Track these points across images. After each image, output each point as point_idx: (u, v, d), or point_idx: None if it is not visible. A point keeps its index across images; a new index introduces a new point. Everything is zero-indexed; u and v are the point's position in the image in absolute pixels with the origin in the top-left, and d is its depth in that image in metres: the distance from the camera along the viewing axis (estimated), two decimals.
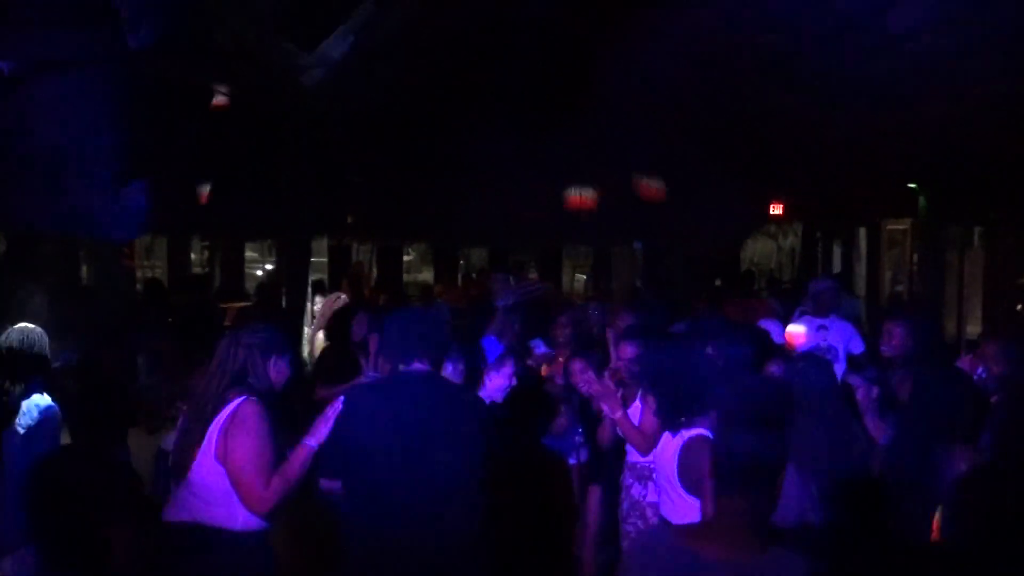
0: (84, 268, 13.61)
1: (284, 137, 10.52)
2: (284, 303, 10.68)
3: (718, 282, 14.73)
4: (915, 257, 14.78)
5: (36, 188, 4.49)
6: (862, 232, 16.47)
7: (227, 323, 11.91)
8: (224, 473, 3.30)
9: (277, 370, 3.52)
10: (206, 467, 3.33)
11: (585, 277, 20.29)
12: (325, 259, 17.15)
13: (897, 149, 11.53)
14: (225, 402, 3.36)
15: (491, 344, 6.38)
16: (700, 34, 10.18)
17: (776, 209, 15.61)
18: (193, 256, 18.42)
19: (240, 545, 3.32)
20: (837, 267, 16.92)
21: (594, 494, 4.59)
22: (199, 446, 3.34)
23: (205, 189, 13.74)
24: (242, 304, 12.31)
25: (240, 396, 3.36)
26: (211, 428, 3.33)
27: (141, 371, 11.21)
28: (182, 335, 11.49)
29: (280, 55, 8.96)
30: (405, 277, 19.01)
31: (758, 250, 18.96)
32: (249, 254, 18.96)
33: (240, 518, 3.31)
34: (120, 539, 3.49)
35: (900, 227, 15.52)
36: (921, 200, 14.02)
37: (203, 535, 3.30)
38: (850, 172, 13.07)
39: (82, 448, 3.64)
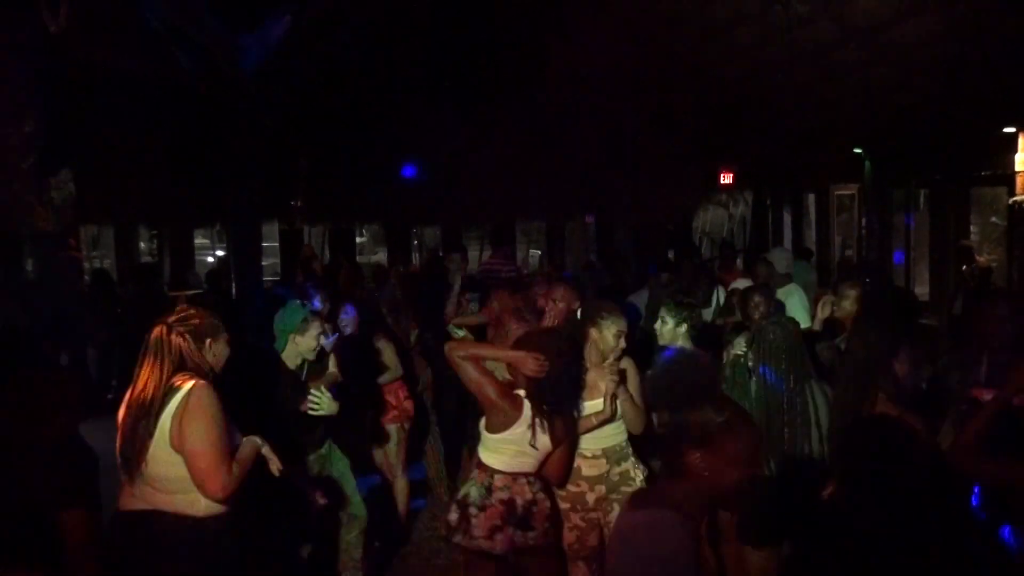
0: (29, 261, 13.39)
1: (227, 120, 10.33)
2: (235, 289, 10.52)
3: (671, 253, 14.80)
4: (863, 221, 14.98)
5: None
6: (811, 198, 16.66)
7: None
8: (181, 461, 3.26)
9: (214, 353, 3.48)
10: (162, 458, 3.28)
11: (539, 252, 20.32)
12: (276, 243, 16.97)
13: (843, 115, 11.65)
14: (172, 389, 3.30)
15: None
16: (644, 5, 10.18)
17: (726, 178, 15.72)
18: (142, 245, 18.12)
19: (204, 530, 3.30)
20: (787, 233, 17.10)
21: None
22: (150, 438, 3.27)
23: (149, 176, 13.53)
24: (192, 292, 12.13)
25: (187, 381, 3.31)
26: (162, 417, 3.27)
27: (91, 362, 11.12)
28: (132, 325, 11.38)
29: (215, 37, 8.79)
30: (358, 259, 18.88)
31: (710, 219, 19.08)
32: (199, 241, 18.71)
33: (202, 503, 3.30)
34: (73, 523, 3.49)
35: (848, 192, 15.71)
36: (867, 165, 14.20)
37: (164, 523, 3.28)
38: (798, 139, 13.18)
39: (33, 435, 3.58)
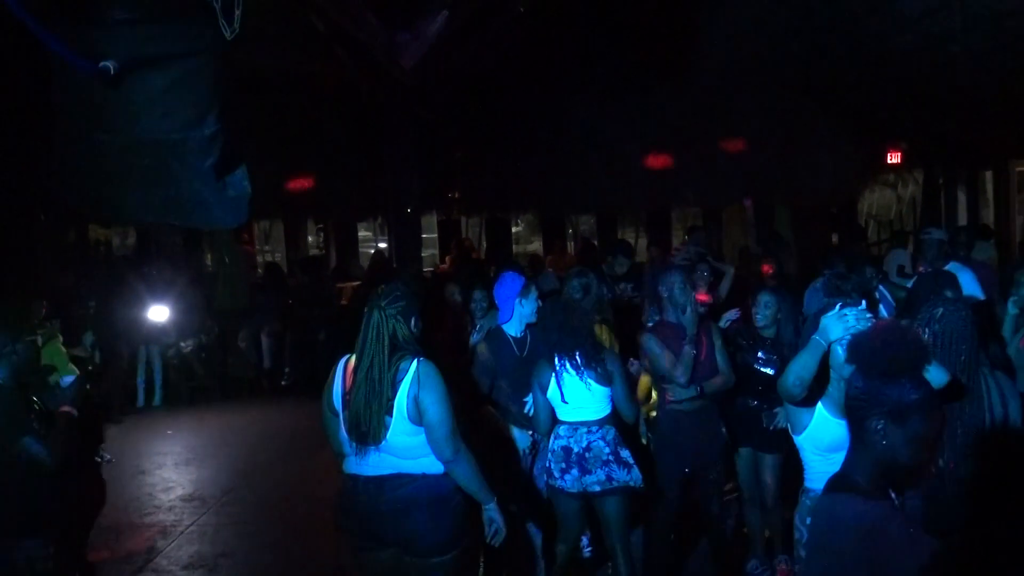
0: (208, 255, 14.27)
1: (388, 116, 10.66)
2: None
3: (835, 237, 14.25)
4: None
5: (142, 180, 4.68)
6: (988, 176, 15.64)
7: (343, 302, 12.31)
8: (419, 431, 3.62)
9: (417, 329, 3.80)
10: (402, 430, 3.62)
11: (686, 238, 19.87)
12: (435, 235, 17.38)
13: (1022, 83, 10.86)
14: (399, 368, 3.64)
15: None
16: None
17: (894, 157, 14.95)
18: (310, 239, 18.95)
19: (445, 486, 3.69)
20: (963, 215, 16.12)
21: None
22: (388, 414, 3.61)
23: (313, 174, 14.15)
24: (355, 283, 12.62)
25: (411, 359, 3.65)
26: (397, 395, 3.62)
27: (264, 349, 11.79)
28: (301, 314, 11.97)
29: (377, 35, 9.08)
30: (514, 248, 19.09)
31: (876, 201, 18.22)
32: (363, 234, 19.39)
33: (439, 465, 3.67)
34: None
35: None
36: None
37: (415, 483, 3.66)
38: (972, 111, 12.37)
39: None
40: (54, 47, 4.17)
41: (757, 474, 5.40)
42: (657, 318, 5.49)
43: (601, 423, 4.72)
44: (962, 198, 16.45)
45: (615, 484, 4.65)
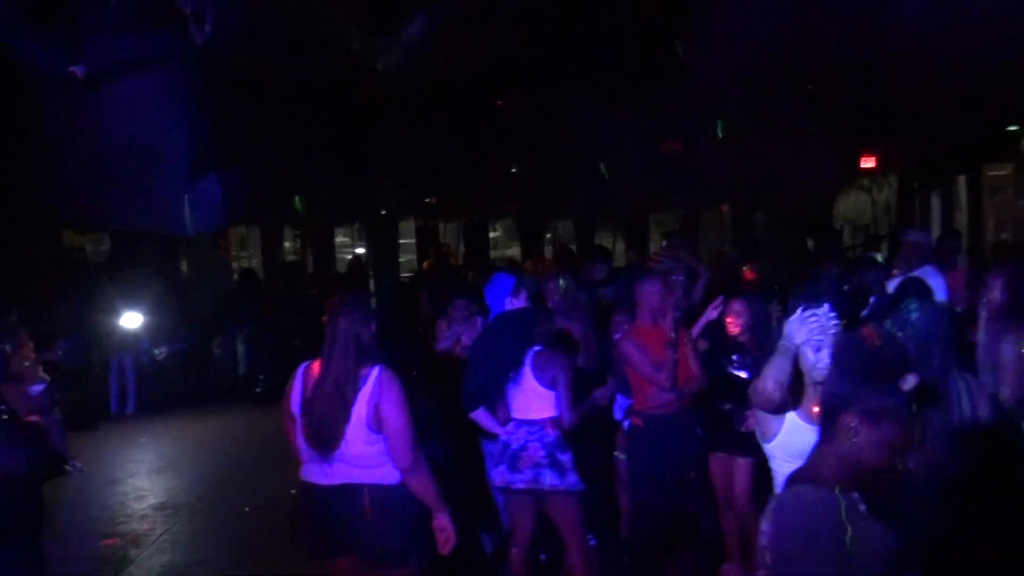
0: (184, 262, 14.18)
1: (366, 122, 10.63)
2: (373, 284, 10.85)
3: (810, 242, 14.32)
4: (1020, 203, 14.10)
5: (113, 186, 4.65)
6: (961, 180, 15.78)
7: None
8: (378, 439, 3.65)
9: (373, 335, 3.82)
10: (361, 438, 3.64)
11: (665, 243, 19.91)
12: (413, 240, 17.36)
13: (995, 89, 10.97)
14: (360, 376, 3.67)
15: None
16: None
17: (868, 162, 15.05)
18: (287, 244, 18.87)
19: (401, 496, 3.71)
20: (936, 219, 16.26)
21: None
22: (347, 422, 3.63)
23: (290, 179, 14.05)
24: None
25: (372, 366, 3.70)
26: (357, 402, 3.65)
27: (239, 355, 11.72)
28: (277, 320, 11.91)
29: (354, 41, 9.05)
30: (492, 253, 19.09)
31: (851, 205, 18.35)
32: (340, 239, 19.33)
33: (396, 475, 3.70)
34: None
35: (1002, 172, 14.81)
36: (1023, 143, 13.36)
37: (370, 494, 3.68)
38: (946, 117, 12.48)
39: None
40: (24, 52, 4.14)
41: (731, 478, 5.41)
42: (630, 323, 5.50)
43: (543, 424, 4.81)
44: (936, 202, 16.58)
45: (542, 487, 4.73)
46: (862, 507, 2.36)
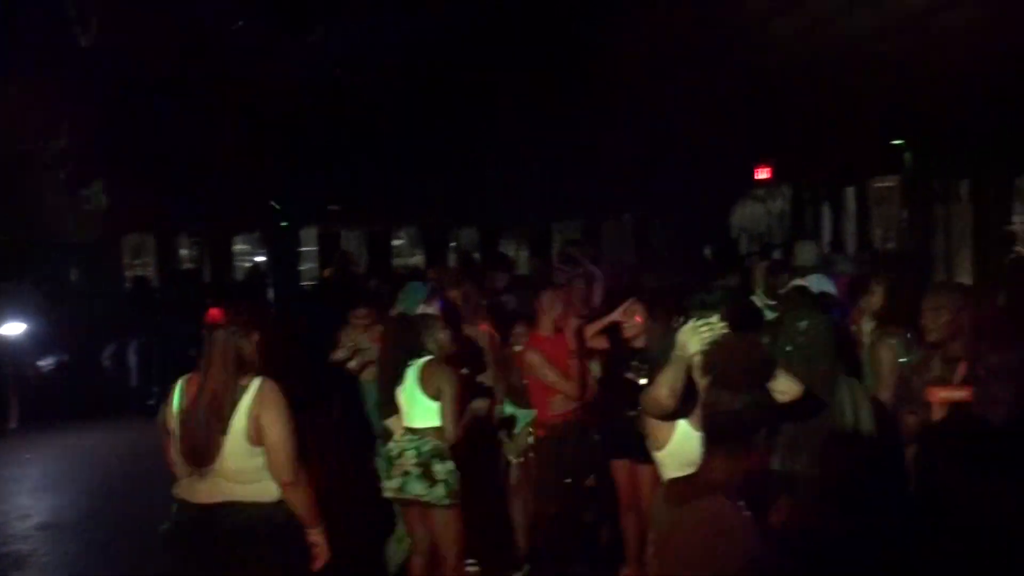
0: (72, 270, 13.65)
1: (265, 127, 10.45)
2: (272, 293, 10.64)
3: (708, 251, 14.66)
4: (904, 213, 14.72)
5: None
6: (850, 191, 16.41)
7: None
8: (257, 453, 3.56)
9: (258, 347, 3.72)
10: (239, 452, 3.55)
11: (570, 251, 20.12)
12: (315, 248, 17.10)
13: (882, 106, 11.45)
14: (241, 387, 3.58)
15: None
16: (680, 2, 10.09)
17: (763, 173, 15.52)
18: (183, 252, 18.34)
19: (279, 514, 3.61)
20: (827, 227, 16.86)
21: None
22: (225, 435, 3.53)
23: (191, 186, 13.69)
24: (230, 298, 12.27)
25: (253, 378, 3.60)
26: (236, 414, 3.54)
27: (131, 367, 11.33)
28: (171, 331, 11.54)
29: (256, 46, 8.89)
30: (396, 261, 18.94)
31: (746, 214, 18.87)
32: (240, 247, 18.89)
33: (275, 490, 3.60)
34: None
35: (888, 184, 15.45)
36: (907, 156, 13.95)
37: (246, 512, 3.57)
38: (836, 132, 12.96)
39: None
40: None
41: (634, 484, 5.46)
42: (530, 332, 5.52)
43: (422, 433, 4.78)
44: (826, 212, 17.21)
45: (406, 495, 4.75)
46: (747, 513, 2.41)
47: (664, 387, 3.45)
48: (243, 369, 3.60)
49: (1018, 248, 12.33)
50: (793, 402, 3.16)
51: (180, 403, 3.67)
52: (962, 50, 9.02)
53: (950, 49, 9.06)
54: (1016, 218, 13.33)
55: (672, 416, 3.52)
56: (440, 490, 4.70)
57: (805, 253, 7.17)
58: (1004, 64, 9.11)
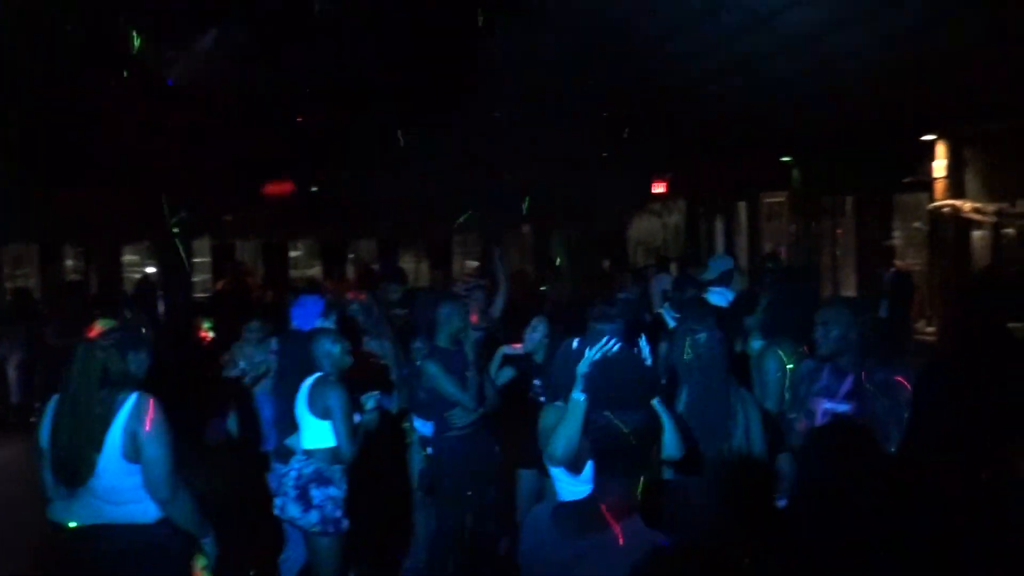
0: None
1: (154, 134, 10.15)
2: (163, 306, 10.31)
3: (606, 263, 14.90)
4: (792, 228, 15.26)
5: None
6: (742, 206, 16.92)
7: None
8: (134, 471, 3.43)
9: (137, 363, 3.62)
10: (113, 470, 3.41)
11: (476, 264, 20.28)
12: (208, 259, 16.68)
13: (772, 124, 11.84)
14: (114, 403, 3.43)
15: None
16: (577, 19, 10.21)
17: (659, 187, 15.89)
18: (69, 263, 17.64)
19: (158, 535, 3.49)
20: (720, 240, 17.33)
21: None
22: (98, 452, 3.40)
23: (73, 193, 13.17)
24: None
25: (128, 393, 3.46)
26: (111, 431, 3.41)
27: (11, 382, 10.81)
28: (54, 345, 11.07)
29: (134, 48, 8.65)
30: (293, 273, 18.65)
31: (643, 227, 19.26)
32: (129, 257, 18.26)
33: (153, 510, 3.47)
34: None
35: (777, 199, 15.98)
36: (795, 173, 14.48)
37: (122, 535, 3.45)
38: (729, 148, 13.37)
39: None
40: None
41: (539, 495, 5.46)
42: (431, 345, 5.47)
43: (309, 453, 4.65)
44: (720, 226, 17.69)
45: (284, 516, 4.68)
46: (651, 532, 2.40)
47: (560, 447, 3.47)
48: (116, 385, 3.47)
49: (897, 262, 12.94)
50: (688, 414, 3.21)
51: (52, 420, 3.53)
52: (848, 73, 9.39)
53: (836, 72, 9.42)
54: (897, 233, 13.95)
55: (574, 467, 3.52)
56: (313, 516, 4.55)
57: (714, 267, 7.33)
58: (886, 87, 9.53)
